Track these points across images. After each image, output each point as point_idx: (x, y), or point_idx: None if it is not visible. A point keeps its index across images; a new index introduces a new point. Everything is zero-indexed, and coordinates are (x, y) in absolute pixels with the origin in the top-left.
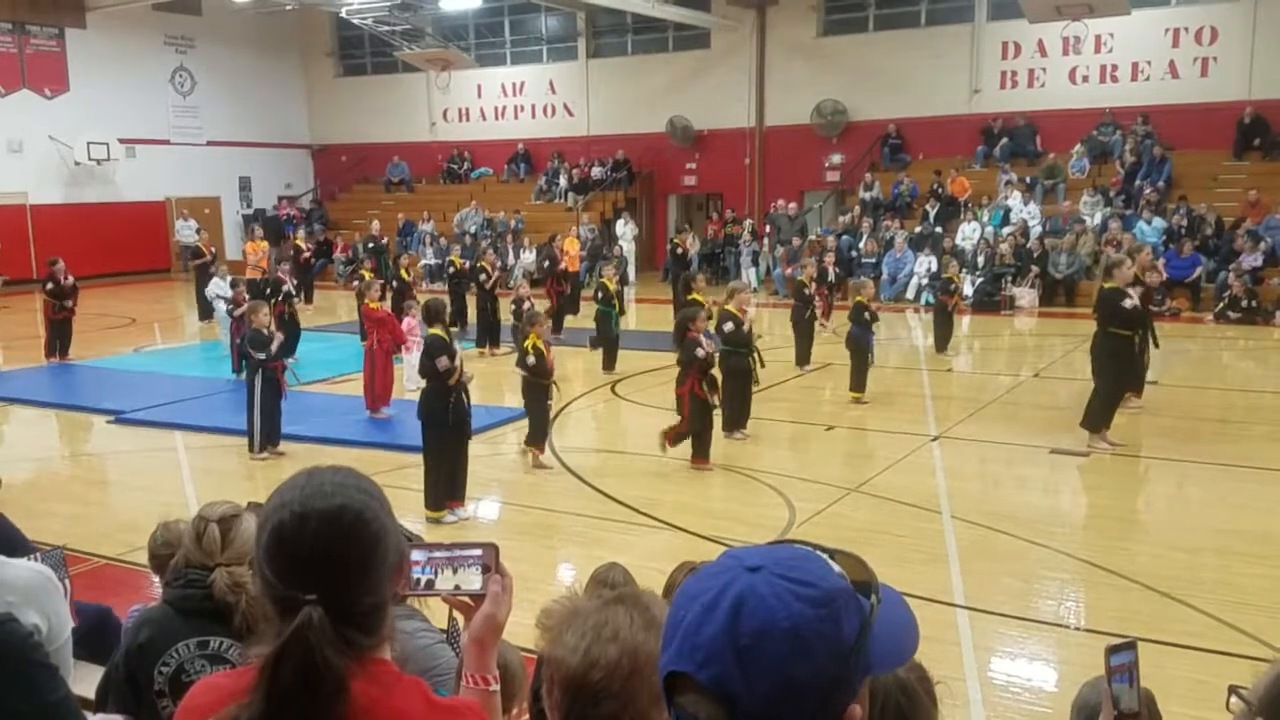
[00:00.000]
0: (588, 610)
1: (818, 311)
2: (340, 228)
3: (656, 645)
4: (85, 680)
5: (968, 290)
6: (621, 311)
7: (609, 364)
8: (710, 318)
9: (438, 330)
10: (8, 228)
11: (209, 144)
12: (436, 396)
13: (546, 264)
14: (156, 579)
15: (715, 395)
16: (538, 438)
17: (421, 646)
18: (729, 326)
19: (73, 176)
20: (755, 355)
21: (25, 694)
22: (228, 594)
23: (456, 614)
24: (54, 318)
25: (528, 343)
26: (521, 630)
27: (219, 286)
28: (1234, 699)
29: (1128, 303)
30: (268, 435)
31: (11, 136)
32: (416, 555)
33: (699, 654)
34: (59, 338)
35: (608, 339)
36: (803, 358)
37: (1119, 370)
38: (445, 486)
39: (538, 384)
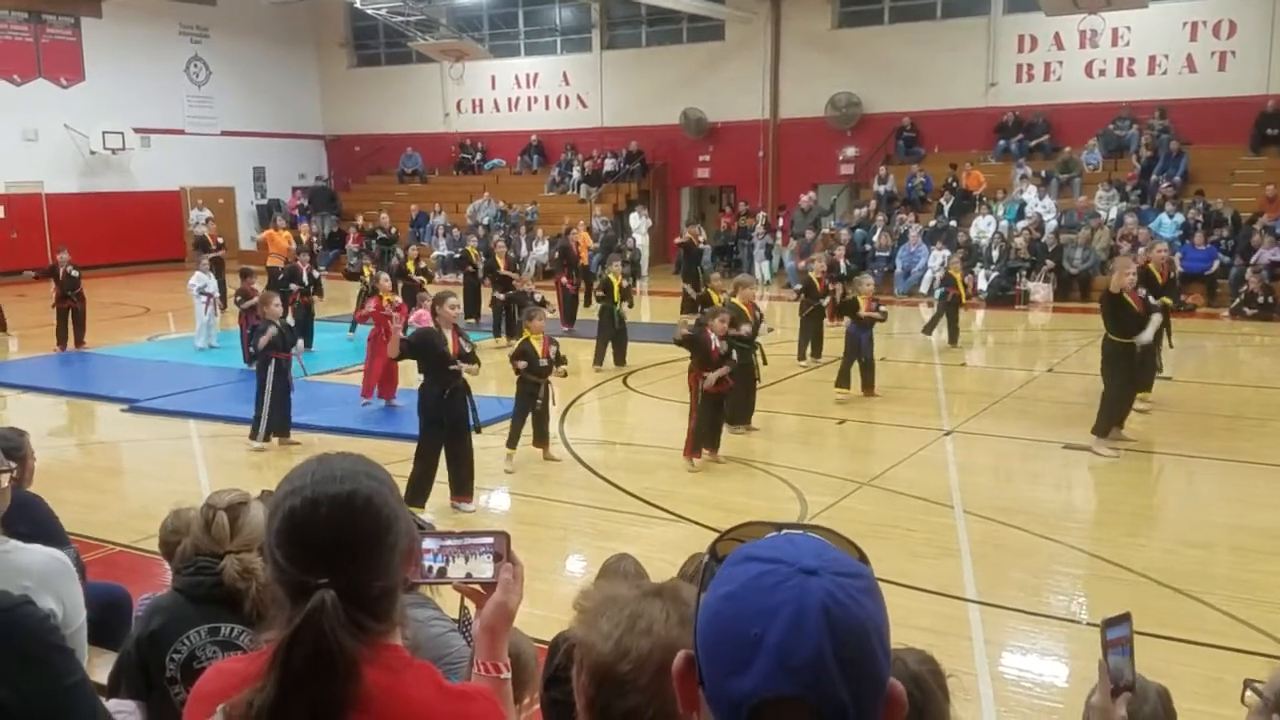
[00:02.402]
0: (625, 599)
1: (825, 308)
2: (353, 219)
3: (690, 642)
4: (98, 667)
5: (982, 284)
6: (629, 304)
7: (617, 358)
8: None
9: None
10: (23, 217)
11: (223, 134)
12: (430, 389)
13: (557, 255)
14: (169, 566)
15: (715, 387)
16: (513, 440)
17: (433, 635)
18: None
19: (88, 166)
20: (759, 351)
21: (42, 676)
22: (238, 581)
23: (468, 602)
24: (58, 306)
25: (523, 338)
26: (534, 620)
27: (200, 279)
28: (1249, 693)
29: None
30: (278, 426)
31: (27, 126)
32: (429, 543)
33: (803, 675)
34: (64, 327)
35: (610, 334)
36: (804, 352)
37: (1121, 376)
38: (451, 482)
39: (528, 382)
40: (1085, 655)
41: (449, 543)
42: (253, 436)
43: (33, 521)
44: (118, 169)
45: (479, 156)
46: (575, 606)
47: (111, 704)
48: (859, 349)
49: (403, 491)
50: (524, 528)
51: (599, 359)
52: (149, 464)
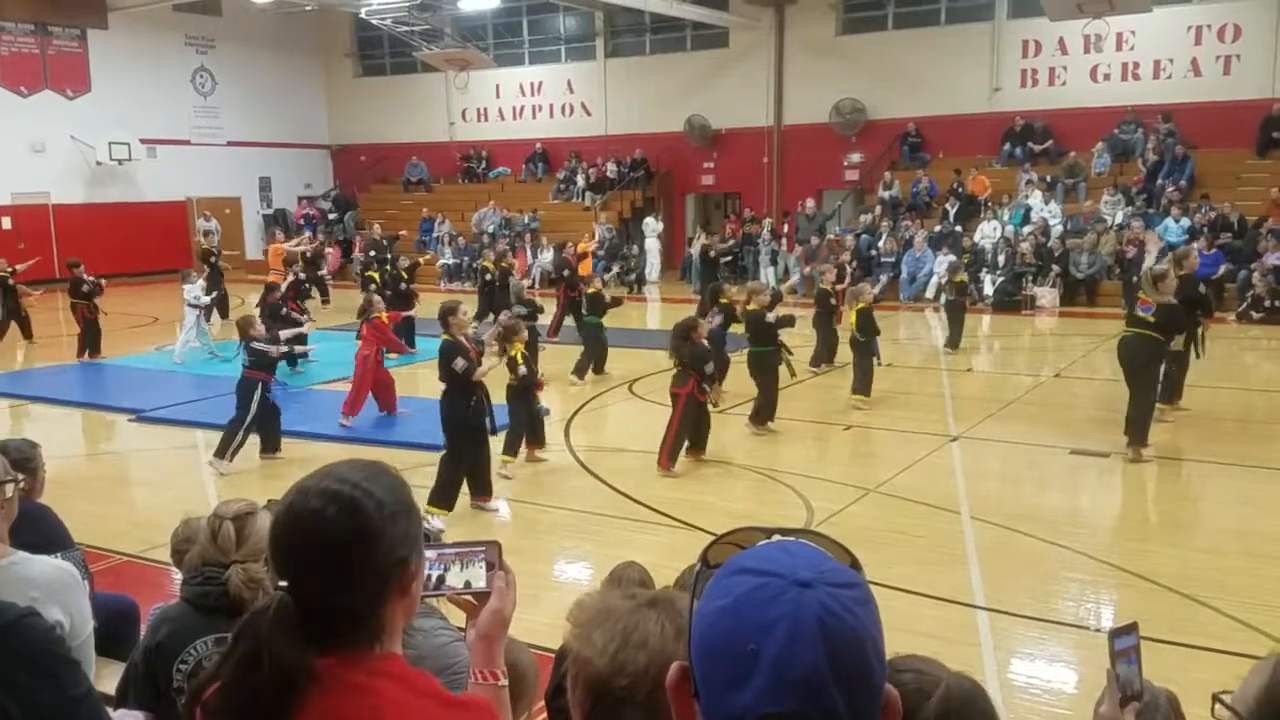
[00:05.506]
0: (620, 611)
1: (837, 313)
2: (359, 227)
3: (685, 654)
4: (106, 678)
5: (988, 290)
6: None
7: (597, 368)
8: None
9: (447, 335)
10: (31, 227)
11: (229, 144)
12: (458, 400)
13: (567, 272)
14: (179, 575)
15: (715, 395)
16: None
17: (439, 645)
18: (771, 316)
19: (94, 176)
20: (785, 351)
21: (48, 687)
22: (243, 590)
23: (461, 613)
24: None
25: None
26: (540, 628)
27: (191, 291)
28: (1218, 707)
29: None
30: (270, 444)
31: (34, 137)
32: (429, 553)
33: (801, 690)
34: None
35: (601, 348)
36: (819, 358)
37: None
38: (472, 485)
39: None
40: (1094, 661)
41: (447, 552)
42: (220, 455)
43: (39, 531)
44: (124, 179)
45: (484, 165)
46: (568, 618)
47: (119, 714)
48: (872, 354)
49: (427, 497)
50: (530, 535)
51: (581, 372)
52: (157, 474)
